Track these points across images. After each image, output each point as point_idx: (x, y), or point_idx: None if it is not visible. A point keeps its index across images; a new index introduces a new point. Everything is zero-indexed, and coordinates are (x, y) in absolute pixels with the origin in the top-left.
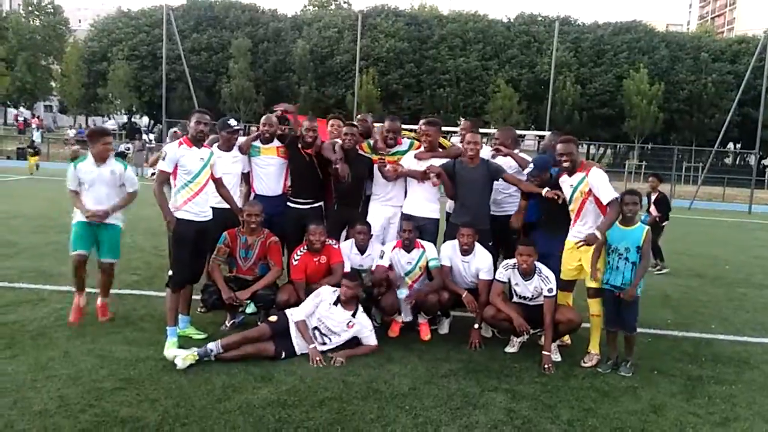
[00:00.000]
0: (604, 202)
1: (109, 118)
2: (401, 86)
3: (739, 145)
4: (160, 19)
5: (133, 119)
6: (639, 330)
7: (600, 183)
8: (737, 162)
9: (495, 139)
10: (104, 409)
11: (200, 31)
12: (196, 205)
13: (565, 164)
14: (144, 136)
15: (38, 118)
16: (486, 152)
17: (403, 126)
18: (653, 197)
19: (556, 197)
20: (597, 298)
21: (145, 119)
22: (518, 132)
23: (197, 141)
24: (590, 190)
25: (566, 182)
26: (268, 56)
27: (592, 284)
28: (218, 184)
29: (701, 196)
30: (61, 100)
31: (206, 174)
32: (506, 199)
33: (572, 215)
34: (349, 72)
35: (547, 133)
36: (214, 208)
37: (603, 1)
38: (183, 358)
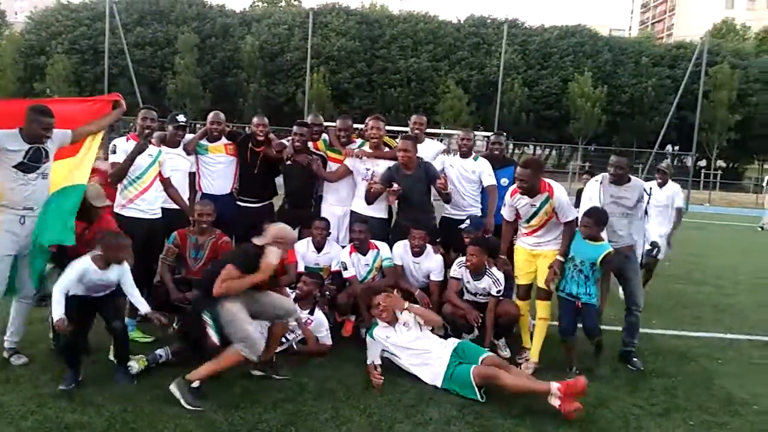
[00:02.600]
0: (564, 221)
1: None
2: (352, 85)
3: (677, 147)
4: (102, 12)
5: None
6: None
7: (564, 202)
8: (675, 163)
9: (461, 140)
10: (46, 415)
11: (144, 25)
12: (143, 202)
13: (524, 185)
14: None
15: None
16: (431, 151)
17: (356, 126)
18: None
19: None
20: (546, 301)
21: None
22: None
23: (144, 138)
24: (553, 210)
25: (523, 201)
26: (215, 52)
27: (544, 287)
28: (166, 184)
29: None
30: None
31: (154, 172)
32: (461, 201)
33: (527, 229)
34: (300, 70)
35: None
36: (162, 209)
37: (549, 5)
38: (136, 362)
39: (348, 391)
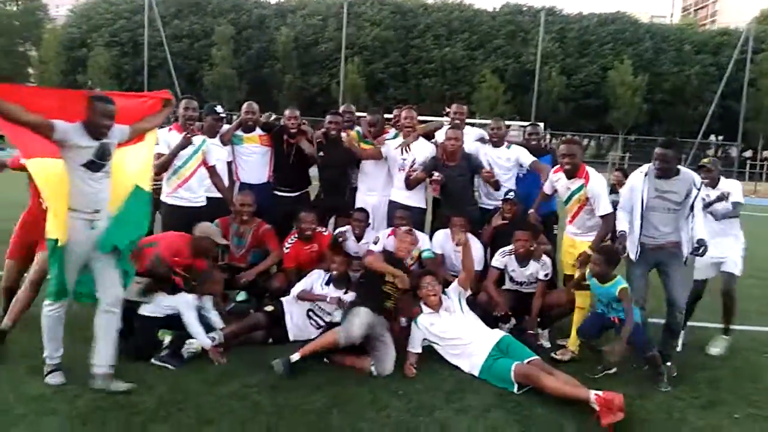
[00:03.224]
0: (598, 214)
1: None
2: (386, 76)
3: (721, 137)
4: (141, 4)
5: None
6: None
7: (600, 194)
8: (719, 154)
9: (492, 129)
10: (100, 394)
11: (182, 18)
12: (187, 191)
13: (566, 166)
14: None
15: None
16: (471, 138)
17: (388, 116)
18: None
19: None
20: (585, 290)
21: None
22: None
23: (186, 127)
24: (587, 199)
25: (562, 183)
26: (251, 44)
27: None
28: (211, 172)
29: None
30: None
31: (197, 160)
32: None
33: (568, 215)
34: (334, 61)
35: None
36: (206, 197)
37: None
38: (194, 348)
39: (387, 376)
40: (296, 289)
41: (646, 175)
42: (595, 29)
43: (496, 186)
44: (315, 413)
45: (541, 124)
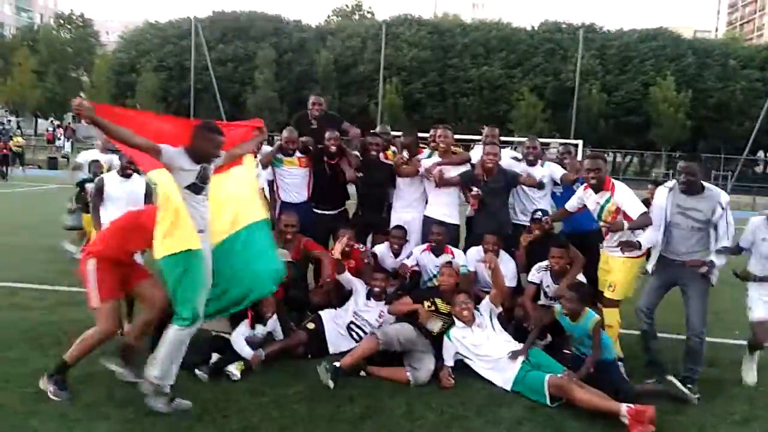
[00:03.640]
0: (635, 218)
1: None
2: (424, 95)
3: None
4: (187, 30)
5: None
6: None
7: (627, 200)
8: (766, 171)
9: (527, 148)
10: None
11: (226, 42)
12: None
13: (592, 181)
14: None
15: (68, 126)
16: (506, 157)
17: (424, 135)
18: None
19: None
20: (614, 308)
21: None
22: (543, 140)
23: None
24: (617, 209)
25: (591, 198)
26: (292, 67)
27: (608, 294)
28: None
29: (732, 205)
30: None
31: None
32: (530, 207)
33: (604, 229)
34: (373, 81)
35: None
36: None
37: (628, 8)
38: (236, 368)
39: (421, 388)
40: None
41: (671, 191)
42: (636, 45)
43: (540, 185)
44: (349, 422)
45: (575, 145)
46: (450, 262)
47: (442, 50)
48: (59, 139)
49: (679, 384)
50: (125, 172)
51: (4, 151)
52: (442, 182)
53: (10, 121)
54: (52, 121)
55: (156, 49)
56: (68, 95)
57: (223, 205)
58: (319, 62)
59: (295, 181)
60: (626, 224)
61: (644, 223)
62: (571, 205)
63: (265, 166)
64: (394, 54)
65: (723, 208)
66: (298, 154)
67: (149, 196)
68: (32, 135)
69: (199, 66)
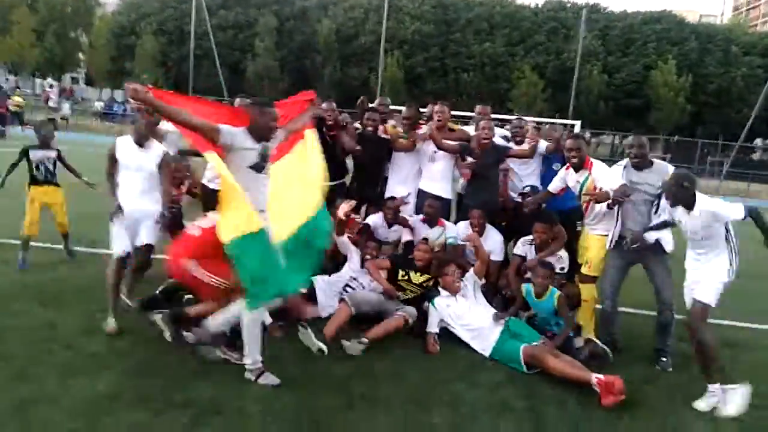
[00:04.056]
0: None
1: None
2: (425, 69)
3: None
4: None
5: None
6: (643, 312)
7: (603, 176)
8: (764, 158)
9: (515, 128)
10: (150, 353)
11: (227, 8)
12: None
13: (573, 160)
14: None
15: (70, 89)
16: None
17: (425, 110)
18: None
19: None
20: (590, 283)
21: None
22: (542, 120)
23: None
24: (595, 186)
25: (572, 177)
26: (293, 35)
27: (585, 270)
28: None
29: (726, 191)
30: (87, 73)
31: None
32: (518, 185)
33: (583, 208)
34: (374, 54)
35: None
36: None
37: None
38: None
39: (407, 352)
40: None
41: (624, 168)
42: (640, 27)
43: (531, 154)
44: (338, 381)
45: (576, 123)
46: (426, 239)
47: (445, 24)
48: (51, 99)
49: (600, 343)
50: (141, 141)
51: (2, 110)
52: (441, 146)
53: (8, 80)
54: (42, 84)
55: (156, 13)
56: (67, 56)
57: (289, 187)
58: (321, 32)
59: None
60: (611, 193)
61: (622, 193)
62: (554, 186)
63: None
64: (396, 26)
65: None
66: None
67: (162, 167)
68: (31, 94)
69: (199, 31)
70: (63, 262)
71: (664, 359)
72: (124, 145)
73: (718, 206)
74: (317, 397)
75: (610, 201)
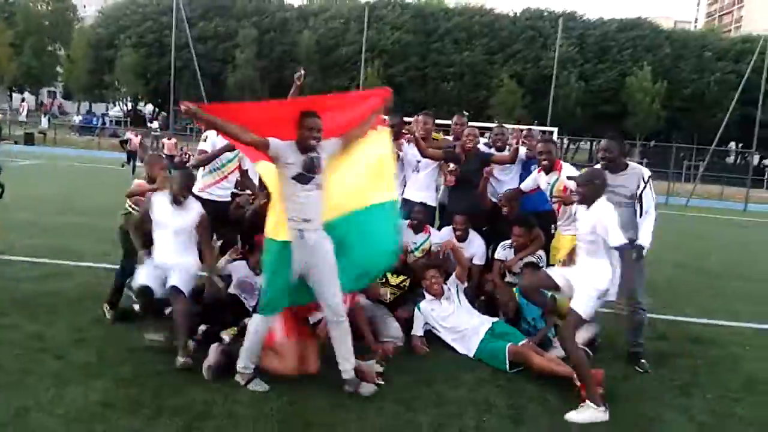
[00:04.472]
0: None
1: (114, 105)
2: (405, 79)
3: (741, 145)
4: (167, 6)
5: (137, 107)
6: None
7: (571, 176)
8: (737, 162)
9: (495, 135)
10: (141, 361)
11: (207, 19)
12: (220, 189)
13: (544, 162)
14: (149, 124)
15: (51, 102)
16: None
17: (409, 119)
18: None
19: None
20: None
21: (149, 107)
22: (522, 127)
23: None
24: (565, 187)
25: (543, 179)
26: (274, 46)
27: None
28: (244, 174)
29: (700, 194)
30: (66, 86)
31: (235, 164)
32: (499, 190)
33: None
34: (354, 64)
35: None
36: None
37: None
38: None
39: (396, 355)
40: None
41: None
42: (615, 35)
43: (512, 160)
44: (327, 382)
45: (554, 130)
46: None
47: (424, 34)
48: (21, 113)
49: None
50: (177, 199)
51: None
52: (426, 154)
53: None
54: (21, 98)
55: (135, 25)
56: (45, 69)
57: (352, 178)
58: (301, 42)
59: None
60: (575, 197)
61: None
62: (526, 185)
63: None
64: (376, 36)
65: (645, 182)
66: None
67: (201, 225)
68: (8, 109)
69: (179, 43)
70: (50, 275)
71: (643, 361)
72: (161, 204)
73: (608, 222)
74: (307, 399)
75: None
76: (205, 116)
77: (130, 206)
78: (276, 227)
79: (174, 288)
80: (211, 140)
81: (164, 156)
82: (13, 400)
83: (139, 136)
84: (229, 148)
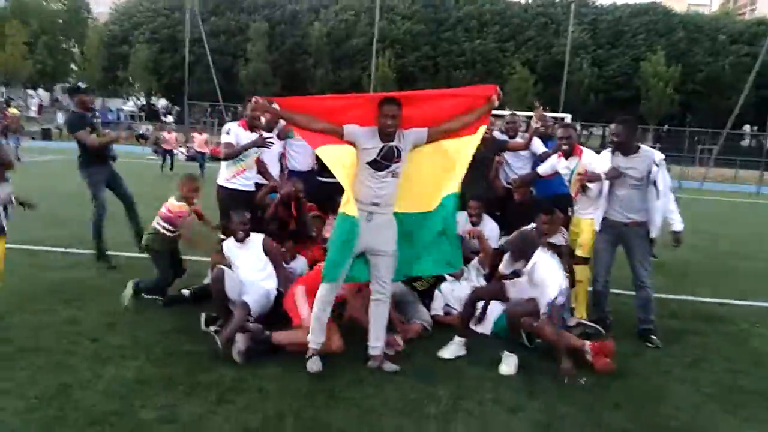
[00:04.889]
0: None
1: (128, 100)
2: (417, 68)
3: (756, 128)
4: (179, 2)
5: (151, 101)
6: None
7: (593, 161)
8: (751, 144)
9: (508, 123)
10: (172, 342)
11: (218, 14)
12: (244, 178)
13: (564, 147)
14: (163, 118)
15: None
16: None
17: None
18: None
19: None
20: (583, 264)
21: (163, 101)
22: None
23: (252, 126)
24: (585, 171)
25: (563, 164)
26: (285, 39)
27: (579, 252)
28: (261, 165)
29: (714, 177)
30: (80, 83)
31: (255, 155)
32: (511, 176)
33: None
34: (366, 55)
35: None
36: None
37: None
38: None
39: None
40: None
41: (612, 153)
42: (628, 20)
43: (526, 146)
44: (349, 359)
45: (567, 116)
46: None
47: (435, 23)
48: (32, 109)
49: (589, 323)
50: (238, 237)
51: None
52: None
53: (2, 93)
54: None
55: (148, 22)
56: (59, 67)
57: (431, 178)
58: (312, 35)
59: (301, 152)
60: (602, 175)
61: (614, 175)
62: (543, 170)
63: (281, 139)
64: (387, 27)
65: (657, 166)
66: None
67: (268, 252)
68: (24, 106)
69: (192, 38)
70: (77, 264)
71: (653, 337)
72: (229, 248)
73: (547, 275)
74: (330, 376)
75: (602, 180)
76: (280, 111)
77: (159, 225)
78: (348, 202)
79: (244, 303)
80: (234, 133)
81: (196, 151)
82: (56, 379)
83: (174, 134)
84: (257, 144)
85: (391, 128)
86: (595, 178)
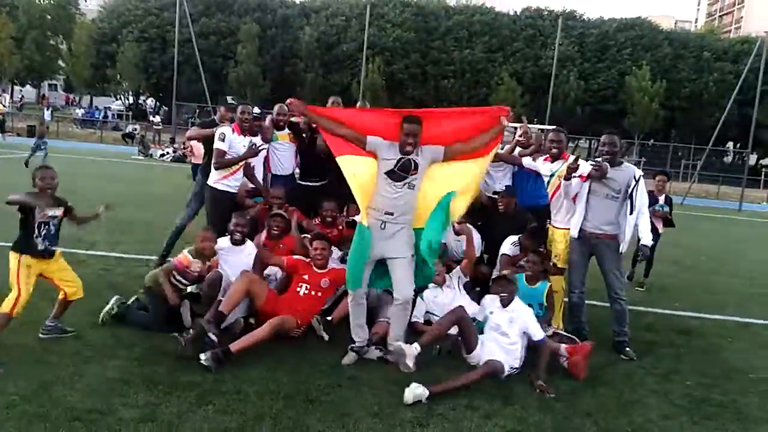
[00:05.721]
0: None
1: (116, 99)
2: (406, 76)
3: (738, 145)
4: (170, 1)
5: (139, 101)
6: (601, 303)
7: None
8: (735, 161)
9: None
10: (154, 343)
11: (209, 15)
12: (233, 180)
13: (554, 150)
14: (151, 118)
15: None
16: None
17: None
18: (661, 200)
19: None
20: (559, 275)
21: (151, 101)
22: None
23: (243, 129)
24: (568, 167)
25: (547, 166)
26: (275, 42)
27: (555, 262)
28: (248, 168)
29: (697, 193)
30: (67, 80)
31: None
32: (493, 186)
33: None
34: (356, 60)
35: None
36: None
37: None
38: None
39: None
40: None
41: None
42: (614, 34)
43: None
44: (328, 364)
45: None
46: None
47: (425, 32)
48: (5, 106)
49: (565, 333)
50: (234, 239)
51: None
52: None
53: None
54: (20, 91)
55: (138, 20)
56: (46, 63)
57: (442, 188)
58: (303, 39)
59: (284, 155)
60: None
61: (603, 171)
62: (527, 162)
63: (267, 141)
64: (377, 34)
65: (636, 181)
66: (287, 130)
67: (257, 265)
68: (10, 102)
69: (182, 39)
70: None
71: (627, 349)
72: (222, 247)
73: (526, 320)
74: (310, 379)
75: (592, 171)
76: (311, 114)
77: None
78: (365, 212)
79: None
80: (228, 140)
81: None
82: (36, 376)
83: (200, 145)
84: (253, 154)
85: (411, 146)
86: (576, 168)
